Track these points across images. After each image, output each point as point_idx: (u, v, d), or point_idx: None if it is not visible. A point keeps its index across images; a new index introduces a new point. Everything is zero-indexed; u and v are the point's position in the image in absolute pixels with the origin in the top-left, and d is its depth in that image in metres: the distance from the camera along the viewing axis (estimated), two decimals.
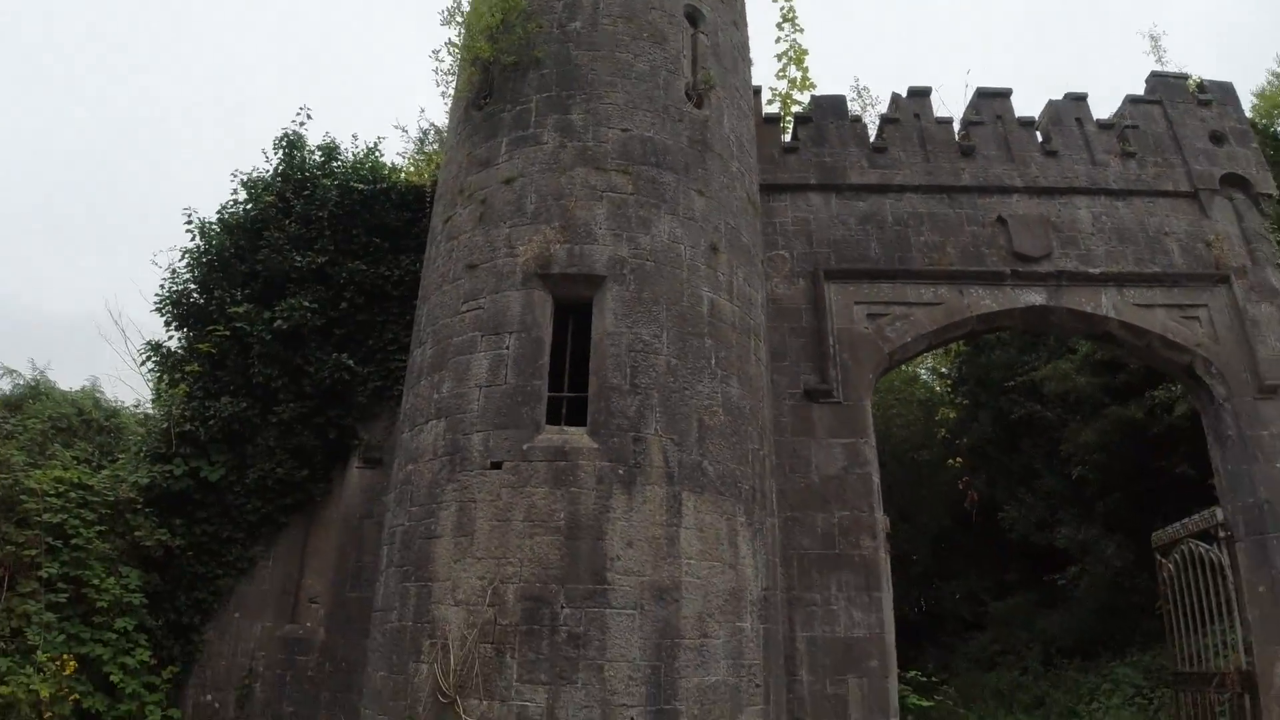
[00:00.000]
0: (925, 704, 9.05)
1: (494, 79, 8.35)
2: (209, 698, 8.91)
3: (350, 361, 9.21)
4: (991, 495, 16.95)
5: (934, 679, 10.55)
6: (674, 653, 6.33)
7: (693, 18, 8.92)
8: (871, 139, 10.81)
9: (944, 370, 19.23)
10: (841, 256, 10.13)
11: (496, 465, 6.70)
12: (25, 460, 8.37)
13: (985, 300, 9.98)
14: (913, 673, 9.49)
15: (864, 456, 9.29)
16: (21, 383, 12.68)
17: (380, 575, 7.43)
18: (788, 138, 10.86)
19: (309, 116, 10.72)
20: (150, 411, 12.09)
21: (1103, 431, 13.38)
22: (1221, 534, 9.66)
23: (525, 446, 6.70)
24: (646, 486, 6.68)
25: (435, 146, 13.75)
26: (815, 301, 9.83)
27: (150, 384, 12.40)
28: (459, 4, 8.41)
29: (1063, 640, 15.05)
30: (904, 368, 17.49)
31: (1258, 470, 9.43)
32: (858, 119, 10.93)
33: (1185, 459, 12.18)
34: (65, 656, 7.58)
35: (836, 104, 10.95)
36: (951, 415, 18.17)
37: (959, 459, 17.27)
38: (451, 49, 8.29)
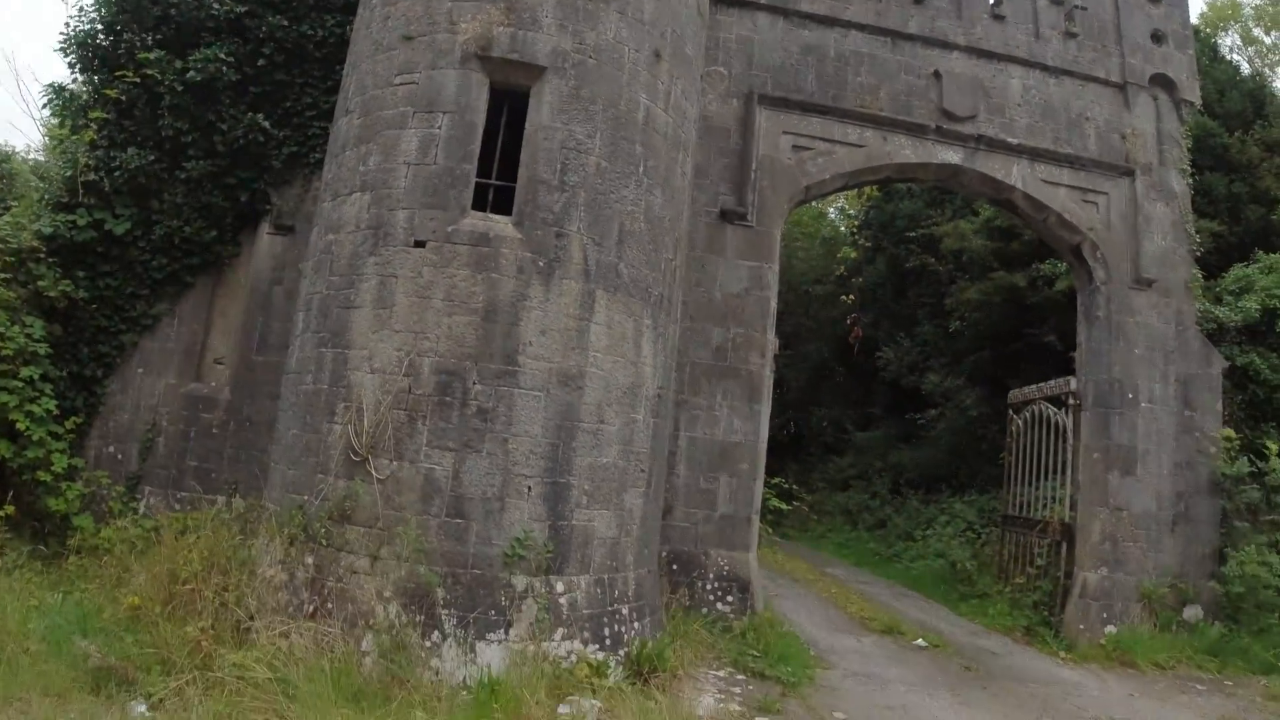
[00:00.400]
0: (784, 507, 10.28)
1: None
2: (111, 449, 9.16)
3: (266, 123, 8.90)
4: (874, 335, 18.31)
5: (794, 489, 11.86)
6: (573, 434, 6.99)
7: None
8: None
9: (852, 212, 20.01)
10: (778, 83, 10.27)
11: (420, 244, 6.90)
12: None
13: (906, 150, 10.45)
14: (777, 480, 10.69)
15: (766, 280, 9.93)
16: None
17: (295, 339, 7.67)
18: None
19: None
20: (42, 160, 11.34)
21: (986, 292, 14.55)
22: (1071, 401, 11.00)
23: (450, 229, 6.90)
24: (564, 280, 7.06)
25: None
26: (745, 124, 10.05)
27: (45, 131, 11.53)
28: None
29: (911, 473, 16.98)
30: (815, 204, 18.09)
31: (1116, 351, 10.66)
32: None
33: (1054, 331, 13.48)
34: None
35: None
36: (852, 255, 19.12)
37: (849, 297, 18.40)
38: None
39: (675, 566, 9.25)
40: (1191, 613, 10.24)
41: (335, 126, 7.81)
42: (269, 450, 8.09)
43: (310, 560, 6.57)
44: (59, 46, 9.40)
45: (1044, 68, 11.04)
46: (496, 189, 7.24)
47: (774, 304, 10.01)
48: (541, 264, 6.99)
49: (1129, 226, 10.86)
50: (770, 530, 10.22)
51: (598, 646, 6.79)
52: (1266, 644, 9.65)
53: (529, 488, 6.77)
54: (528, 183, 7.10)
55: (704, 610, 9.00)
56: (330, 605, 6.40)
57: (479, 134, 7.13)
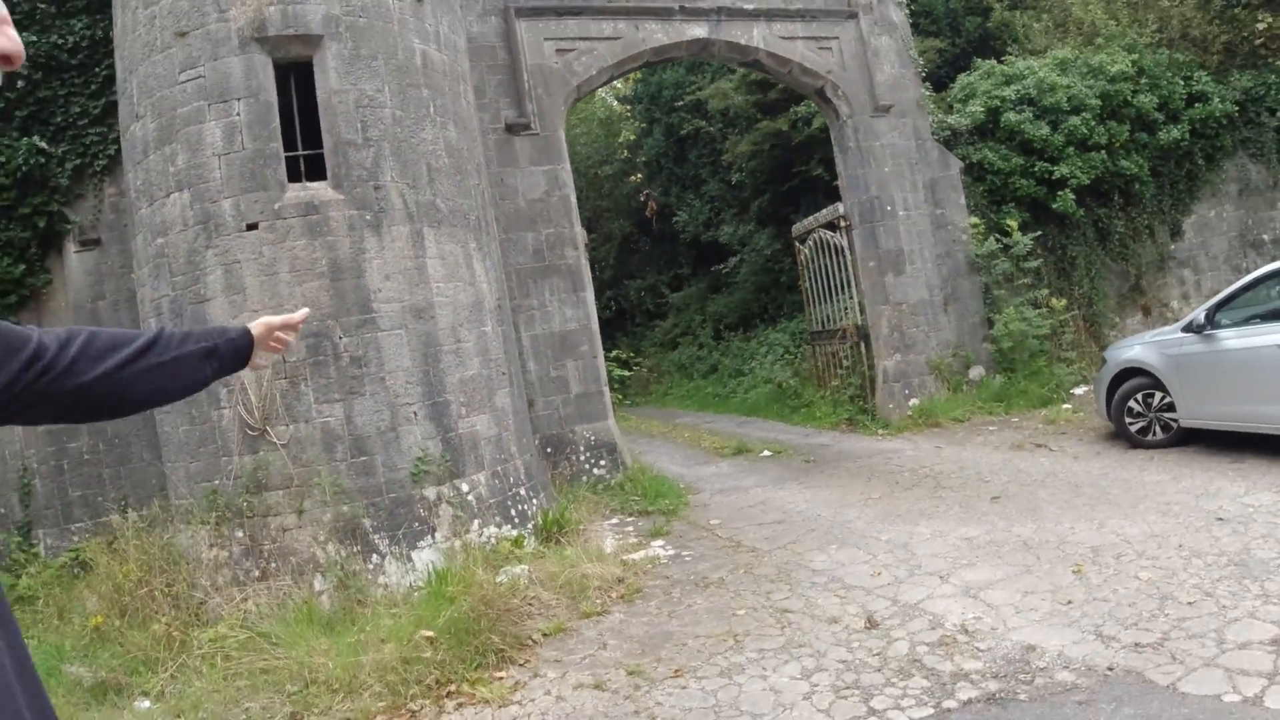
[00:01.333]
0: (625, 374, 11.93)
1: None
2: None
3: (42, 143, 8.83)
4: (667, 202, 20.00)
5: (630, 357, 13.51)
6: (438, 357, 8.11)
7: None
8: None
9: (622, 92, 21.18)
10: None
11: (253, 226, 7.55)
12: None
13: (658, 34, 11.70)
14: (614, 352, 12.30)
15: (561, 180, 11.12)
16: None
17: None
18: None
19: None
20: None
21: (755, 142, 16.40)
22: (842, 224, 13.14)
23: (276, 205, 7.58)
24: (392, 227, 7.97)
25: None
26: (508, 39, 10.90)
27: None
28: None
29: (728, 318, 19.21)
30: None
31: (870, 173, 12.77)
32: None
33: (820, 164, 15.60)
34: None
35: None
36: (630, 136, 20.45)
37: (638, 175, 19.87)
38: None
39: (550, 450, 10.75)
40: (976, 373, 13.01)
41: (128, 133, 8.03)
42: (159, 455, 8.63)
43: (241, 534, 7.45)
44: None
45: None
46: (307, 159, 7.91)
47: (574, 198, 11.27)
48: (369, 217, 7.85)
49: (860, 63, 12.82)
50: (621, 399, 11.86)
51: (510, 526, 8.21)
52: (1040, 383, 12.44)
53: (415, 413, 7.90)
54: (335, 146, 7.83)
55: (584, 479, 10.62)
56: (274, 565, 7.38)
57: (275, 111, 7.70)
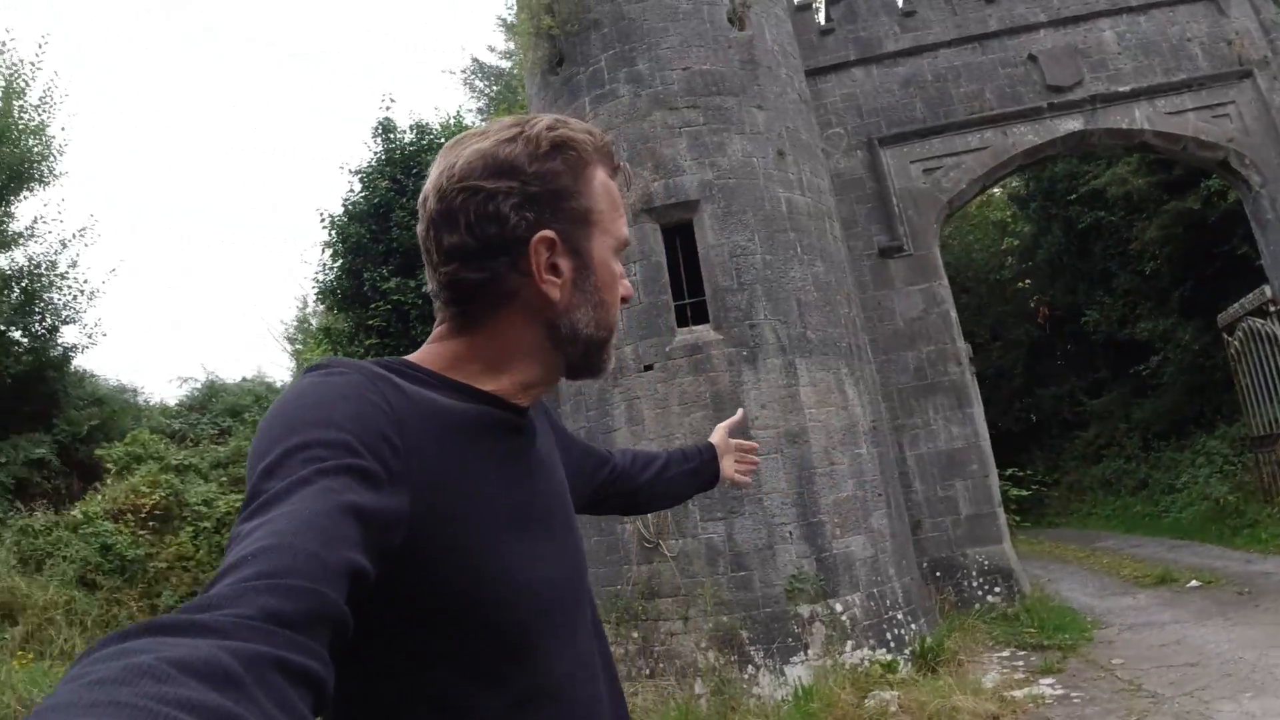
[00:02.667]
0: (1023, 493, 11.36)
1: (562, 46, 10.24)
2: None
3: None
4: (1073, 301, 18.69)
5: (1033, 474, 12.66)
6: (811, 479, 8.75)
7: None
8: (900, 4, 12.26)
9: (1018, 192, 20.54)
10: (891, 121, 11.84)
11: (649, 367, 9.06)
12: None
13: (1028, 136, 11.61)
14: (1010, 470, 11.80)
15: (939, 297, 11.32)
16: (198, 386, 15.44)
17: None
18: (822, 19, 12.41)
19: (393, 100, 12.82)
20: None
21: (1165, 226, 14.92)
22: (1272, 309, 11.44)
23: (667, 348, 9.02)
24: (766, 360, 8.95)
25: (497, 88, 15.59)
26: (874, 168, 11.65)
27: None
28: None
29: (1157, 425, 17.09)
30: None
31: None
32: None
33: (1244, 241, 13.72)
34: None
35: None
36: (1013, 242, 19.69)
37: (1026, 281, 18.94)
38: (514, 27, 10.18)
39: (938, 574, 10.61)
40: None
41: None
42: None
43: (635, 634, 8.68)
44: (316, 297, 12.73)
45: (1129, 9, 11.86)
46: (691, 305, 9.32)
47: (954, 314, 11.36)
48: (745, 353, 8.93)
49: (1265, 124, 11.31)
50: (1018, 521, 11.30)
51: (884, 650, 8.36)
52: None
53: (790, 532, 8.58)
54: (714, 292, 9.13)
55: (975, 606, 10.25)
56: (661, 665, 8.44)
57: (665, 269, 9.28)
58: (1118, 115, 11.51)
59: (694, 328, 9.16)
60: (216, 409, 13.23)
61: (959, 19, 12.04)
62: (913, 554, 9.85)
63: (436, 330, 1.17)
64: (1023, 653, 8.64)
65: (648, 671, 8.48)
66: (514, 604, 1.02)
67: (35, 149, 12.55)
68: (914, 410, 11.07)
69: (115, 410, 13.10)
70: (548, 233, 1.09)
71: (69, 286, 13.14)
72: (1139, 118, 11.51)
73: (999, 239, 19.97)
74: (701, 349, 8.94)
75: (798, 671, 7.99)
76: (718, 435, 1.99)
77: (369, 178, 12.63)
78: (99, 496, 9.50)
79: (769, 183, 9.51)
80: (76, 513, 9.16)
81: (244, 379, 16.27)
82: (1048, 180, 17.93)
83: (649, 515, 8.83)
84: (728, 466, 1.96)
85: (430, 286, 1.16)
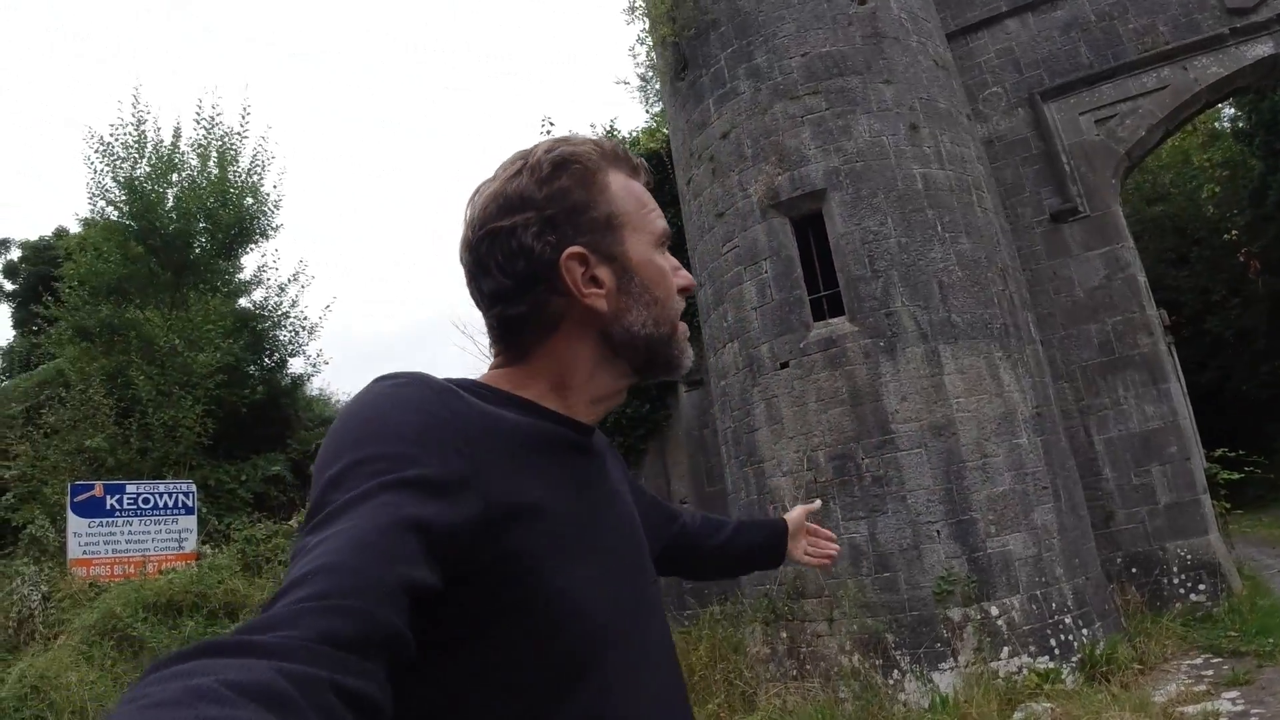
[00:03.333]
0: (1235, 476, 10.05)
1: (684, 52, 10.33)
2: None
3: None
4: None
5: (1240, 454, 10.93)
6: (961, 474, 8.32)
7: None
8: None
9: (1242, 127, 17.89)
10: (1054, 72, 10.82)
11: (784, 365, 9.01)
12: None
13: (1212, 68, 10.18)
14: (1220, 451, 10.45)
15: (1124, 260, 10.25)
16: None
17: (725, 467, 10.18)
18: None
19: (552, 124, 13.43)
20: None
21: None
22: None
23: (801, 344, 8.92)
24: (906, 349, 8.60)
25: (659, 107, 15.82)
26: (1039, 126, 10.72)
27: None
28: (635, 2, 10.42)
29: None
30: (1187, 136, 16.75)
31: None
32: None
33: None
34: None
35: None
36: (1256, 167, 17.07)
37: (1232, 233, 16.34)
38: (641, 41, 10.40)
39: (1134, 569, 9.68)
40: None
41: (699, 297, 10.39)
42: None
43: (784, 634, 8.70)
44: None
45: None
46: (826, 298, 9.13)
47: (1142, 278, 10.26)
48: (882, 344, 8.64)
49: None
50: (1227, 508, 10.01)
51: (1047, 657, 7.80)
52: None
53: (937, 531, 8.23)
54: (847, 283, 8.90)
55: (1176, 605, 9.25)
56: (808, 666, 8.41)
57: (797, 263, 9.15)
58: None
59: (830, 321, 8.98)
60: None
61: None
62: (1093, 551, 9.07)
63: (494, 361, 1.20)
64: (1217, 660, 7.77)
65: (795, 673, 8.51)
66: (575, 621, 1.01)
67: (253, 207, 14.52)
68: (1100, 389, 10.13)
69: None
70: (575, 249, 1.11)
71: (290, 325, 15.21)
72: None
73: (1232, 183, 17.40)
74: (836, 342, 8.76)
75: (948, 679, 7.69)
76: (794, 514, 1.96)
77: None
78: None
79: (901, 160, 9.09)
80: (293, 522, 10.61)
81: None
82: (1269, 111, 15.39)
83: None
84: (797, 549, 1.92)
85: (487, 329, 1.19)
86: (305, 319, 15.72)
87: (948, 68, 10.20)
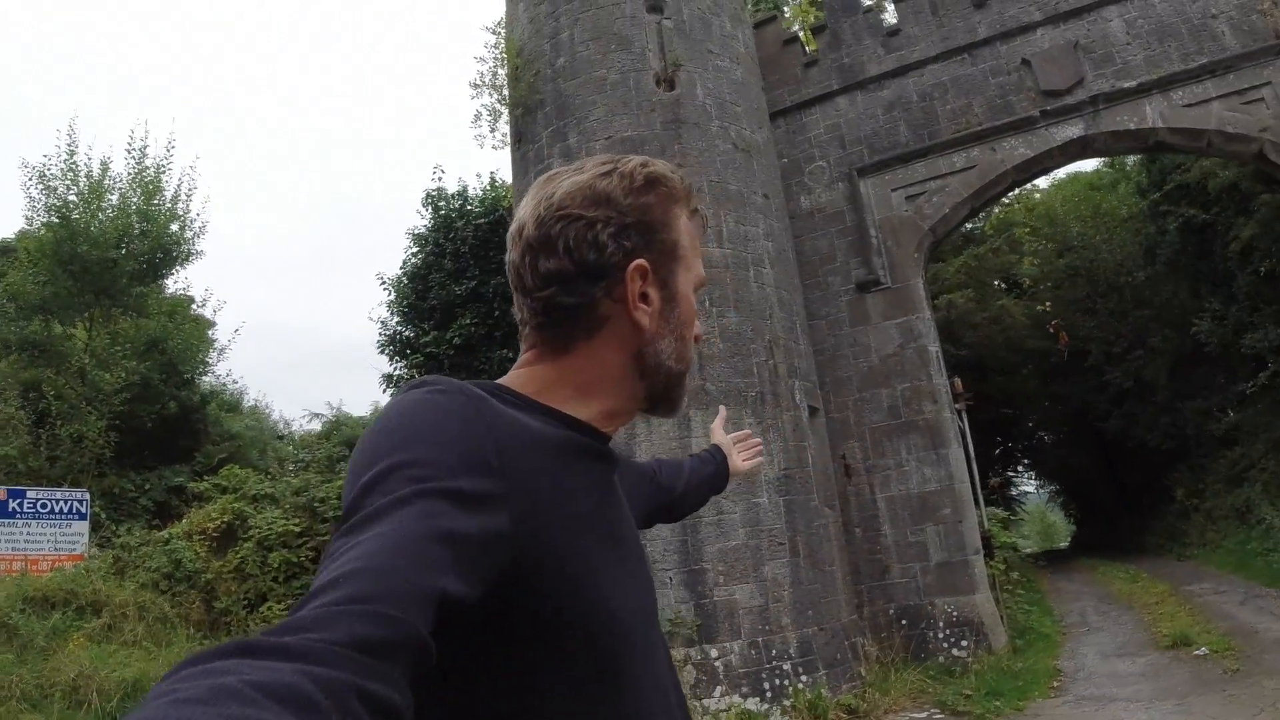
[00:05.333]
0: (1009, 540, 10.86)
1: (520, 125, 11.68)
2: None
3: (511, 355, 13.30)
4: (1199, 307, 16.29)
5: (1010, 518, 11.47)
6: (696, 528, 9.44)
7: (655, 7, 11.28)
8: (886, 23, 12.12)
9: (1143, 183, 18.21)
10: (874, 149, 11.80)
11: None
12: (321, 479, 13.61)
13: (1019, 149, 11.03)
14: (993, 509, 11.26)
15: (917, 330, 11.18)
16: (327, 419, 18.34)
17: None
18: (812, 48, 12.61)
19: (443, 172, 15.00)
20: None
21: (1263, 223, 12.81)
22: None
23: None
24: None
25: None
26: (853, 200, 11.71)
27: None
28: (490, 76, 11.82)
29: None
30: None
31: None
32: (870, 8, 12.27)
33: None
34: None
35: (849, 1, 12.39)
36: (1149, 227, 17.46)
37: (1045, 304, 16.72)
38: (486, 110, 11.79)
39: (904, 621, 10.60)
40: None
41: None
42: None
43: None
44: (378, 350, 15.32)
45: None
46: None
47: (934, 349, 11.16)
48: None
49: None
50: (1001, 568, 10.80)
51: (758, 699, 8.87)
52: None
53: (670, 578, 9.37)
54: None
55: (939, 657, 10.14)
56: None
57: None
58: (1125, 115, 10.53)
59: None
60: (336, 440, 16.14)
61: (946, 30, 11.67)
62: (838, 603, 10.04)
63: (525, 355, 1.19)
64: (940, 715, 8.64)
65: None
66: (607, 627, 1.03)
67: (175, 233, 16.33)
68: (886, 450, 11.08)
69: (242, 445, 16.66)
70: (642, 261, 1.14)
71: (200, 346, 17.17)
72: (1150, 115, 10.46)
73: (1132, 236, 17.65)
74: None
75: None
76: (721, 438, 2.05)
77: (421, 242, 14.91)
78: (185, 520, 12.59)
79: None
80: (165, 533, 12.28)
81: (374, 406, 19.30)
82: (1158, 173, 15.72)
83: None
84: (737, 462, 2.01)
85: (519, 315, 1.19)
86: (215, 341, 17.75)
87: (750, 150, 11.29)
